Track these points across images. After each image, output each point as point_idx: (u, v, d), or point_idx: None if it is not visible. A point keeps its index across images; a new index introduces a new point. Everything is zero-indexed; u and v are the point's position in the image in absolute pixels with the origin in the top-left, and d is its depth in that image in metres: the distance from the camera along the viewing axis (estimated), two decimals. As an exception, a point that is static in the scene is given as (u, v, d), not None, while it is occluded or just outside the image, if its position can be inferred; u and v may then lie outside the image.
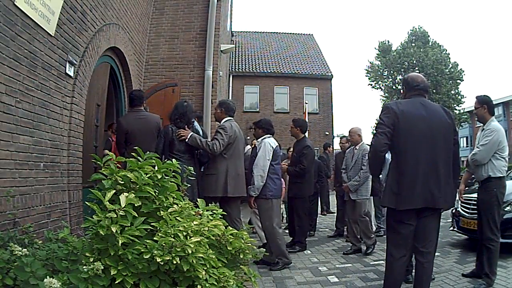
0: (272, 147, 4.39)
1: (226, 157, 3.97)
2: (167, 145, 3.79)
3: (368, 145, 4.98)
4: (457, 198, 5.64)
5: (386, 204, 2.85)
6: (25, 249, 1.80)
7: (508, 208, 4.46)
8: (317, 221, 7.29)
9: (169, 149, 3.77)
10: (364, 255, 4.92)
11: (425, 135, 2.70)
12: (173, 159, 2.35)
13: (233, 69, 19.56)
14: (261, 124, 4.58)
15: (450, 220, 6.21)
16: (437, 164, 2.70)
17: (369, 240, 5.00)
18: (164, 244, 1.80)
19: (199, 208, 2.34)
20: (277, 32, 26.17)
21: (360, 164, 5.06)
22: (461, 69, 26.63)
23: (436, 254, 4.32)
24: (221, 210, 2.53)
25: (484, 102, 3.63)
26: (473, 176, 3.98)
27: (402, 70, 27.33)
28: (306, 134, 14.34)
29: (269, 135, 4.53)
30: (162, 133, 3.92)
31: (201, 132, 4.30)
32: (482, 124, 3.73)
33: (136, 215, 1.88)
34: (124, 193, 1.89)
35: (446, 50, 27.06)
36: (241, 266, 2.38)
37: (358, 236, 5.12)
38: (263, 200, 4.30)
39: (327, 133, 20.94)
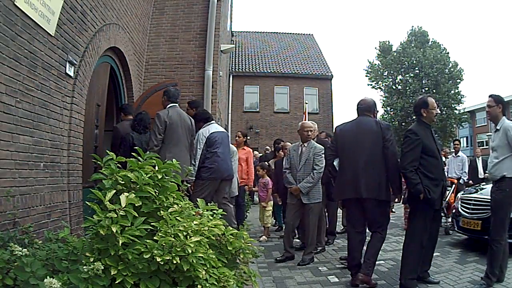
0: (205, 136, 4.52)
1: (165, 143, 4.21)
2: (128, 150, 4.12)
3: (319, 143, 4.89)
4: (459, 197, 5.66)
5: (333, 196, 4.37)
6: (25, 249, 1.80)
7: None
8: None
9: (130, 153, 3.90)
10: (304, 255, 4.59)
11: (352, 146, 3.68)
12: None
13: (233, 69, 19.54)
14: (197, 118, 4.76)
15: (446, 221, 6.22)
16: (365, 164, 3.57)
17: (309, 247, 4.65)
18: (164, 244, 1.80)
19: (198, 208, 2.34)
20: (277, 32, 26.11)
21: (312, 163, 4.60)
22: (461, 68, 26.59)
23: (436, 254, 4.36)
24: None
25: (500, 101, 3.59)
26: (484, 177, 3.97)
27: (402, 70, 27.30)
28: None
29: (208, 123, 4.69)
30: (123, 140, 4.49)
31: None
32: (493, 124, 3.68)
33: (136, 215, 1.87)
34: (125, 193, 1.89)
35: (446, 50, 27.02)
36: (241, 266, 2.38)
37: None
38: (197, 181, 4.43)
39: (327, 133, 20.91)
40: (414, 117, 3.79)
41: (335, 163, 3.88)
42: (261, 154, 10.90)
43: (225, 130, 5.10)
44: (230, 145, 5.86)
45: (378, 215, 3.66)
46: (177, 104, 4.51)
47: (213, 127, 4.66)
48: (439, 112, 21.38)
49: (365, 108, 3.84)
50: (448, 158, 8.92)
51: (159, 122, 4.17)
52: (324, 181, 4.85)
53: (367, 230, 3.84)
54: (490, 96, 3.66)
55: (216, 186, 4.49)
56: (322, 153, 4.64)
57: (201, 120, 4.73)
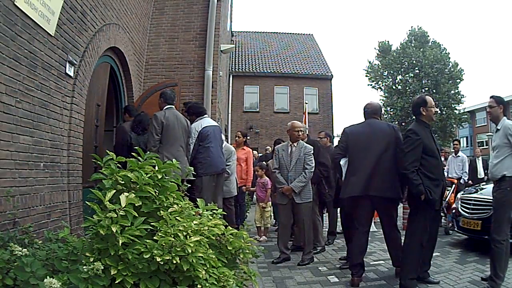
0: (197, 130, 4.53)
1: (162, 144, 4.24)
2: (126, 149, 4.22)
3: (308, 143, 4.89)
4: (458, 197, 5.66)
5: (342, 195, 3.99)
6: (25, 249, 1.80)
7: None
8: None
9: (128, 152, 3.94)
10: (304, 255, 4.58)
11: (365, 146, 3.76)
12: None
13: (233, 69, 19.53)
14: (190, 111, 4.77)
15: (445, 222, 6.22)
16: (377, 163, 3.66)
17: (308, 247, 4.64)
18: (164, 244, 1.80)
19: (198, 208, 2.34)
20: (277, 32, 26.09)
21: (303, 162, 4.58)
22: (461, 68, 26.54)
23: (436, 254, 4.36)
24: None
25: (501, 102, 3.61)
26: (483, 177, 3.98)
27: (402, 70, 27.28)
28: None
29: (201, 117, 4.69)
30: (123, 140, 4.60)
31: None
32: (494, 125, 3.69)
33: (136, 215, 1.87)
34: (125, 193, 1.89)
35: (446, 50, 27.00)
36: (241, 266, 2.38)
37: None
38: (198, 179, 4.30)
39: (327, 133, 20.87)
40: (414, 117, 3.79)
41: (341, 162, 4.03)
42: (260, 154, 10.91)
43: (217, 124, 5.10)
44: (229, 145, 5.87)
45: (390, 213, 3.84)
46: (173, 106, 4.55)
47: (206, 121, 4.68)
48: (438, 110, 21.35)
49: (372, 111, 3.99)
50: (448, 158, 8.91)
51: (156, 123, 4.21)
52: (314, 181, 4.87)
53: (379, 230, 3.93)
54: (491, 97, 3.68)
55: (214, 180, 4.52)
56: (312, 153, 4.68)
57: (194, 113, 4.74)
